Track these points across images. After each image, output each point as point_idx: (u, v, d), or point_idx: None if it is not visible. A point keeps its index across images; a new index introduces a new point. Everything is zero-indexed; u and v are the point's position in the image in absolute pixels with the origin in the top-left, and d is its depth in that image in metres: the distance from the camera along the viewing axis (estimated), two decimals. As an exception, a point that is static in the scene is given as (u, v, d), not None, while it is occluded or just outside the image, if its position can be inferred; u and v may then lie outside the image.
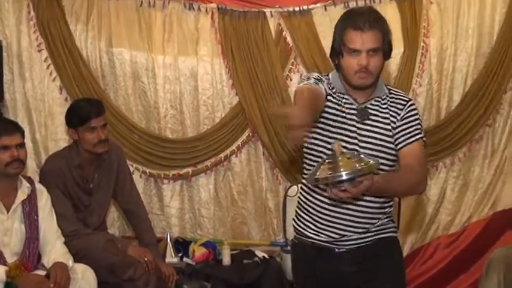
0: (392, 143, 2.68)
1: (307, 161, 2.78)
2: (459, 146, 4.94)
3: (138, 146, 4.75)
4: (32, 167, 4.57)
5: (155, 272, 3.92)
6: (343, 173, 2.25)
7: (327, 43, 4.64)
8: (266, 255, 4.52)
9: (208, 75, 4.82)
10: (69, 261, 3.65)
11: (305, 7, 4.85)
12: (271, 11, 4.84)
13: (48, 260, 3.64)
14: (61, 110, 4.54)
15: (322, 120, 2.69)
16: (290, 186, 4.73)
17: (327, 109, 2.70)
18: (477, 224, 5.03)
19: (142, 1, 4.77)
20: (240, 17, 4.83)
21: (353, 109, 2.71)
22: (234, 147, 4.89)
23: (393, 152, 2.67)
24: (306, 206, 2.81)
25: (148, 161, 4.81)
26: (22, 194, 3.65)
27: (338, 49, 2.66)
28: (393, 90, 2.78)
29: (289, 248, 4.47)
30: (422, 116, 4.56)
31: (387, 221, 2.77)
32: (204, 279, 4.24)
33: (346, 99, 2.72)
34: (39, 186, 3.79)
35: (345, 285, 2.77)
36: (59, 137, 4.65)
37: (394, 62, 4.76)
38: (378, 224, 2.73)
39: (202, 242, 4.61)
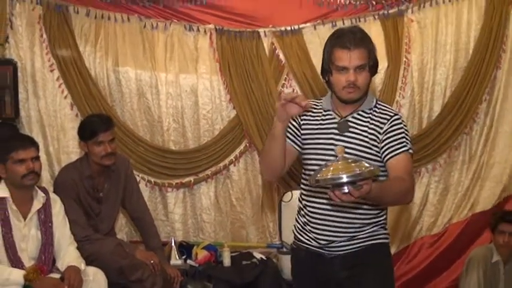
0: (370, 154, 2.65)
1: (305, 171, 2.81)
2: (440, 153, 4.95)
3: (143, 157, 4.76)
4: (46, 178, 4.57)
5: (161, 273, 3.92)
6: (344, 175, 2.20)
7: (316, 59, 4.72)
8: (263, 257, 4.51)
9: (207, 91, 4.84)
10: (82, 265, 3.65)
11: (296, 27, 4.86)
12: (264, 31, 4.85)
13: (62, 264, 3.64)
14: (72, 125, 4.58)
15: (309, 136, 2.74)
16: (284, 193, 4.71)
17: (309, 126, 2.76)
18: (457, 225, 5.03)
19: (145, 23, 4.79)
20: (236, 37, 4.84)
21: (334, 123, 2.72)
22: (232, 157, 4.90)
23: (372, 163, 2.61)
24: (302, 213, 2.83)
25: (153, 171, 4.81)
26: (38, 203, 3.66)
27: (327, 68, 2.67)
28: (381, 105, 2.76)
29: (284, 249, 4.52)
30: (405, 126, 4.59)
31: (378, 228, 2.76)
32: (206, 280, 4.25)
33: (329, 115, 2.74)
34: (53, 196, 3.79)
35: None
36: (71, 150, 4.66)
37: (379, 76, 4.75)
38: (367, 231, 2.72)
39: (204, 245, 4.61)
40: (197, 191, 4.92)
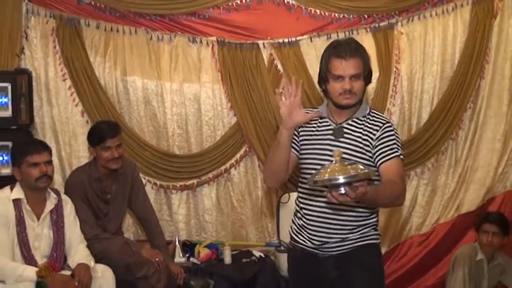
0: (364, 159, 2.65)
1: (302, 175, 2.81)
2: (428, 157, 4.95)
3: (149, 161, 4.77)
4: (58, 180, 4.57)
5: (166, 270, 3.94)
6: (341, 176, 2.20)
7: (313, 70, 4.74)
8: (262, 255, 4.52)
9: (209, 99, 4.84)
10: (91, 262, 3.67)
11: (293, 39, 4.86)
12: (263, 43, 4.85)
13: (72, 261, 3.66)
14: (83, 131, 4.58)
15: (306, 142, 2.75)
16: (282, 194, 4.69)
17: (306, 133, 2.77)
18: (444, 225, 5.02)
19: (152, 35, 4.79)
20: (237, 48, 4.84)
21: (330, 129, 2.73)
22: (233, 161, 4.91)
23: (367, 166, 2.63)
24: (298, 215, 2.83)
25: (159, 174, 4.82)
26: (50, 204, 3.68)
27: (324, 76, 2.69)
28: (374, 113, 2.76)
29: (282, 248, 4.50)
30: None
31: (370, 229, 2.76)
32: (208, 276, 4.25)
33: (325, 122, 2.75)
34: (64, 197, 3.81)
35: None
36: (81, 155, 4.66)
37: (371, 85, 4.58)
38: (359, 232, 2.72)
39: (206, 243, 4.62)
40: (200, 192, 4.92)
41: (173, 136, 4.84)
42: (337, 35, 4.80)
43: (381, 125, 2.71)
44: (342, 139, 2.70)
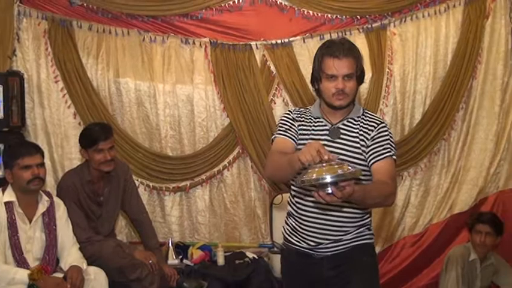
0: (361, 160, 2.66)
1: (295, 176, 2.76)
2: (421, 158, 4.95)
3: (142, 163, 4.77)
4: (50, 183, 4.56)
5: (159, 272, 3.93)
6: (327, 176, 2.20)
7: (306, 71, 4.75)
8: (255, 256, 4.52)
9: (202, 101, 4.84)
10: (83, 265, 3.67)
11: (286, 40, 4.86)
12: (256, 44, 4.86)
13: (65, 264, 3.66)
14: (75, 133, 4.55)
15: (303, 142, 2.72)
16: (275, 195, 4.73)
17: (304, 132, 2.75)
18: (437, 226, 5.02)
19: (144, 37, 4.79)
20: (230, 49, 4.84)
21: (326, 129, 2.73)
22: (226, 162, 4.90)
23: (362, 168, 2.64)
24: (292, 217, 2.83)
25: (152, 176, 4.82)
26: (42, 207, 3.67)
27: (317, 75, 2.69)
28: (368, 114, 2.77)
29: (275, 249, 4.52)
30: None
31: (364, 229, 2.77)
32: (201, 278, 4.24)
33: (320, 122, 2.75)
34: (56, 200, 3.80)
35: None
36: (73, 157, 4.65)
37: (364, 86, 4.73)
38: (354, 232, 2.72)
39: (200, 245, 4.64)
40: (193, 194, 4.92)
41: (166, 138, 4.84)
42: (330, 35, 4.80)
43: (376, 125, 2.72)
44: (338, 140, 2.71)
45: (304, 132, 2.77)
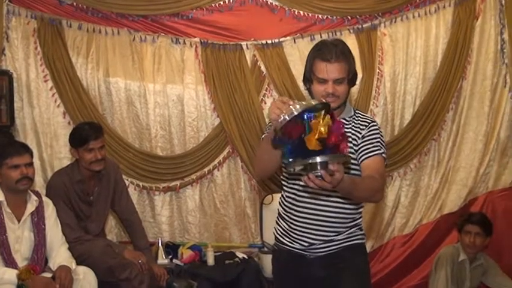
0: (353, 159, 2.65)
1: (286, 176, 2.79)
2: (411, 158, 4.98)
3: (132, 162, 4.76)
4: (39, 182, 4.54)
5: (148, 272, 3.92)
6: (317, 158, 2.08)
7: (296, 71, 4.75)
8: (245, 256, 4.53)
9: (193, 100, 4.84)
10: (72, 264, 3.65)
11: (276, 40, 4.87)
12: (247, 44, 4.87)
13: (54, 264, 3.65)
14: (65, 132, 4.56)
15: None
16: (265, 195, 4.75)
17: None
18: (427, 226, 5.05)
19: (135, 36, 4.79)
20: (220, 49, 4.85)
21: None
22: (216, 162, 4.91)
23: (354, 167, 2.64)
24: (283, 217, 2.81)
25: (142, 175, 4.81)
26: (31, 206, 3.65)
27: (309, 77, 2.67)
28: (360, 114, 2.76)
29: (265, 249, 4.52)
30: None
31: (356, 229, 2.76)
32: (191, 278, 4.24)
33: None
34: (45, 199, 3.79)
35: None
36: (63, 156, 4.63)
37: (354, 87, 4.71)
38: (346, 233, 2.72)
39: (190, 245, 4.62)
40: (183, 194, 4.91)
41: (156, 137, 4.83)
42: (321, 36, 4.82)
43: (367, 124, 2.71)
44: None
45: None
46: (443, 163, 5.04)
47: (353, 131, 2.69)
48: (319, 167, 2.12)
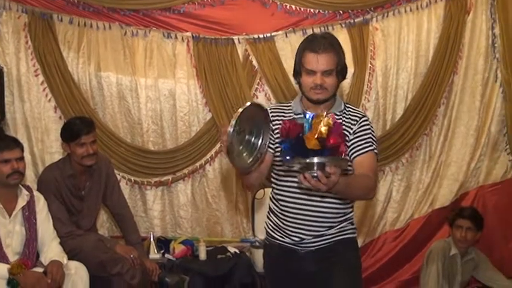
0: (346, 155, 2.64)
1: (277, 173, 2.80)
2: (402, 153, 4.99)
3: (124, 157, 4.76)
4: (30, 177, 4.54)
5: (140, 267, 3.92)
6: (315, 158, 2.14)
7: (288, 65, 4.75)
8: (237, 251, 4.54)
9: (184, 95, 4.83)
10: (64, 259, 3.65)
11: (268, 34, 4.87)
12: (238, 38, 4.86)
13: (45, 259, 3.64)
14: (56, 127, 4.56)
15: (278, 141, 2.67)
16: (257, 190, 4.72)
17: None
18: (418, 220, 5.06)
19: (126, 31, 4.77)
20: (212, 43, 4.84)
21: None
22: (208, 156, 4.91)
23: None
24: (274, 212, 2.82)
25: (134, 170, 4.81)
26: (22, 201, 3.65)
27: (298, 69, 2.68)
28: (350, 108, 2.76)
29: (257, 243, 4.53)
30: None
31: (347, 223, 2.77)
32: (183, 273, 4.26)
33: (300, 117, 2.71)
34: (36, 194, 3.79)
35: (308, 283, 2.77)
36: (54, 151, 4.62)
37: (346, 81, 4.50)
38: (337, 227, 2.72)
39: (181, 240, 4.64)
40: (175, 188, 4.92)
41: (148, 132, 4.83)
42: (313, 30, 4.80)
43: (358, 119, 2.72)
44: None
45: None
46: (434, 158, 5.06)
47: (344, 126, 2.67)
48: (316, 168, 2.15)
